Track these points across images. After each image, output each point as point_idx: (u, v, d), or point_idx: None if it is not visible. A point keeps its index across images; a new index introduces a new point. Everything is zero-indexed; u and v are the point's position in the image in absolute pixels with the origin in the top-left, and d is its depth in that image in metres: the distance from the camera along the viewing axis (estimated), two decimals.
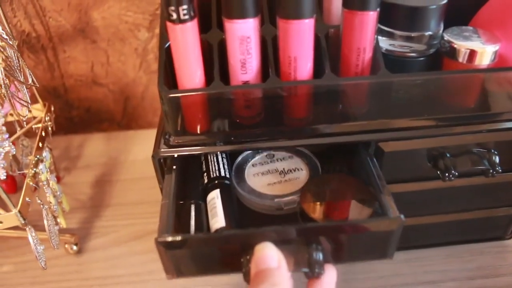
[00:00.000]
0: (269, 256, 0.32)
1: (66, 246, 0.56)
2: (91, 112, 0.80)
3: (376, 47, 0.40)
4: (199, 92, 0.39)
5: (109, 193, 0.65)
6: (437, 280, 0.52)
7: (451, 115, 0.43)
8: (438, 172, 0.44)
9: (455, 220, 0.52)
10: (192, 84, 0.39)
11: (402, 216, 0.36)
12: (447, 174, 0.43)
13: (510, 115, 0.43)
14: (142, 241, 0.58)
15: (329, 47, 0.41)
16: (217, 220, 0.41)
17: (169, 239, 0.35)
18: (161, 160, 0.43)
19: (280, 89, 0.39)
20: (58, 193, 0.53)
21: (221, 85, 0.39)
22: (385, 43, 0.43)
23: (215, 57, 0.41)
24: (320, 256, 0.35)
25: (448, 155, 0.44)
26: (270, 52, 0.41)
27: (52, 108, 0.58)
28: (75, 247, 0.56)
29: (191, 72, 0.39)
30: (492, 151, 0.44)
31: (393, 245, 0.38)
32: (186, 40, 0.37)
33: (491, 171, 0.44)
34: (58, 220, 0.52)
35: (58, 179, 0.67)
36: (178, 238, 0.35)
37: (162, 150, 0.42)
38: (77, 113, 0.80)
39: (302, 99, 0.41)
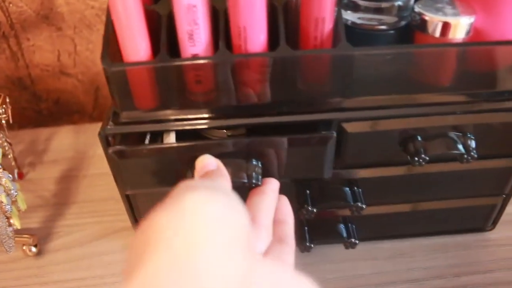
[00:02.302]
0: (208, 163, 0.35)
1: (24, 248, 0.52)
2: (60, 104, 0.76)
3: (338, 18, 0.37)
4: (143, 65, 0.37)
5: (75, 189, 0.61)
6: (421, 278, 0.48)
7: (421, 94, 0.39)
8: (408, 156, 0.41)
9: (430, 209, 0.49)
10: (138, 57, 0.37)
11: (334, 132, 0.38)
12: (416, 158, 0.40)
13: (488, 96, 0.40)
14: (108, 240, 0.54)
15: (289, 19, 0.38)
16: (170, 139, 0.41)
17: (122, 148, 0.38)
18: (109, 139, 0.40)
19: (230, 63, 0.36)
20: (13, 191, 0.49)
21: (167, 58, 0.36)
22: (353, 16, 0.40)
23: (163, 28, 0.38)
24: (259, 169, 0.38)
25: (419, 138, 0.41)
26: (222, 23, 0.38)
27: (8, 100, 0.54)
28: (34, 249, 0.52)
29: (135, 44, 0.36)
30: (468, 135, 0.41)
31: (328, 164, 0.41)
32: (127, 7, 0.34)
33: (465, 156, 0.40)
34: (12, 221, 0.48)
35: (21, 176, 0.63)
36: (130, 147, 0.38)
37: (109, 127, 0.39)
38: (45, 106, 0.76)
39: (256, 74, 0.38)
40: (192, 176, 0.37)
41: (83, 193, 0.61)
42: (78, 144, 0.69)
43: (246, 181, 0.38)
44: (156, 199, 0.26)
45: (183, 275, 0.21)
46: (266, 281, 0.26)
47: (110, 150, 0.38)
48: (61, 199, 0.60)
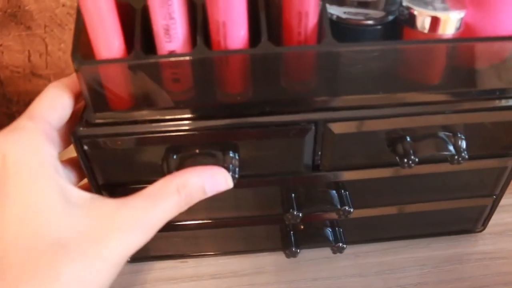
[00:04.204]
0: (221, 180, 0.35)
1: None
2: None
3: (323, 13, 0.35)
4: (115, 63, 0.35)
5: None
6: None
7: (410, 92, 0.38)
8: (397, 158, 0.39)
9: (419, 211, 0.47)
10: (111, 55, 0.34)
11: (312, 124, 0.37)
12: (405, 160, 0.38)
13: (478, 94, 0.38)
14: None
15: (271, 14, 0.36)
16: None
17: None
18: (82, 141, 0.38)
19: (209, 60, 0.35)
20: None
21: (141, 55, 0.34)
22: (338, 10, 0.38)
23: (137, 23, 0.36)
24: (236, 161, 0.37)
25: (408, 138, 0.39)
26: (200, 18, 0.36)
27: None
28: None
29: (108, 41, 0.34)
30: (459, 135, 0.39)
31: (307, 159, 0.39)
32: (98, 0, 0.32)
33: (456, 157, 0.39)
34: None
35: None
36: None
37: (81, 129, 0.37)
38: (17, 108, 0.73)
39: (236, 72, 0.36)
40: (168, 170, 0.36)
41: None
42: None
43: None
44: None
45: None
46: None
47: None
48: None
